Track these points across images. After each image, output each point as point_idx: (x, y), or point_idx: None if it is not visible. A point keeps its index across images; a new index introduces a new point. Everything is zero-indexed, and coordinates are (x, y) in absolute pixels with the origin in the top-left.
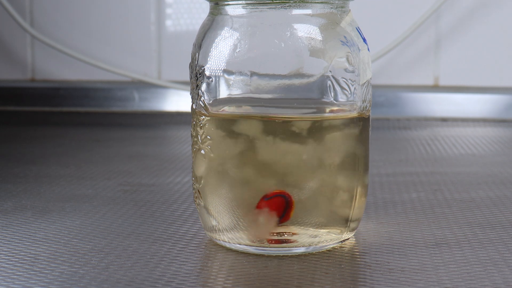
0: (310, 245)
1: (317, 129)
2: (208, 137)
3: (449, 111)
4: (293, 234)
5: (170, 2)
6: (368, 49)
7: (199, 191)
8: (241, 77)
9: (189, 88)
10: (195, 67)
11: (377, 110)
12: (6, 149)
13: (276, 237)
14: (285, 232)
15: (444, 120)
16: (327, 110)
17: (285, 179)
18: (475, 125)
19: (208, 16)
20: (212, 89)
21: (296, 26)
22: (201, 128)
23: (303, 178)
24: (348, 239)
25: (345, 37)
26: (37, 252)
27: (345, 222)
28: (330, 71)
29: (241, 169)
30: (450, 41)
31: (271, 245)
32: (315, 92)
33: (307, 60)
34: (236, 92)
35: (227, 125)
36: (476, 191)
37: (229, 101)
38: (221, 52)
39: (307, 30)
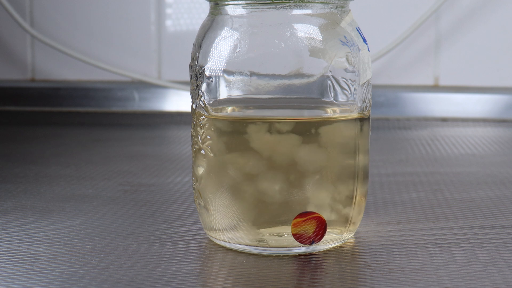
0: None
1: (317, 129)
2: (208, 137)
3: (449, 111)
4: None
5: (170, 2)
6: (368, 49)
7: (199, 191)
8: (241, 77)
9: (189, 88)
10: (195, 67)
11: (377, 110)
12: (6, 149)
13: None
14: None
15: (444, 120)
16: (327, 110)
17: (285, 179)
18: (475, 125)
19: (208, 16)
20: (212, 89)
21: (296, 26)
22: (201, 128)
23: (303, 178)
24: (348, 239)
25: (345, 37)
26: (37, 252)
27: (345, 222)
28: (330, 71)
29: (241, 169)
30: (450, 41)
31: (271, 245)
32: (315, 92)
33: (307, 60)
34: (236, 92)
35: (227, 125)
36: (476, 191)
37: (229, 101)
38: (221, 52)
39: (307, 30)
